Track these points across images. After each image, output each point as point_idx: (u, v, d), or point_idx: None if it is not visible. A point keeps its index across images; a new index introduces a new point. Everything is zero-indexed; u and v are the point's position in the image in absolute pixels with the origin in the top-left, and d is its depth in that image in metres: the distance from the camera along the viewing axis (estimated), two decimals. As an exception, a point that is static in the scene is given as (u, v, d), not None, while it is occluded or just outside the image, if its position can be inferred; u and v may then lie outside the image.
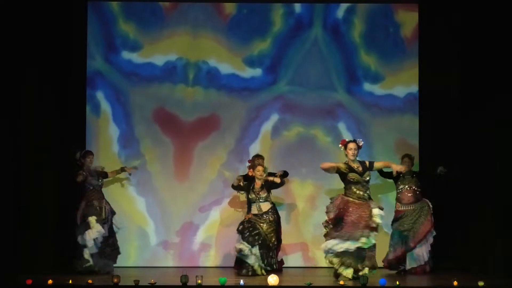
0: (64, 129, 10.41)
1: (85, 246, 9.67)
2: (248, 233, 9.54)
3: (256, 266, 9.45)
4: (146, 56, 10.86)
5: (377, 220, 9.02)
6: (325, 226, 9.11)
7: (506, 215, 9.21)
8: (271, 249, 9.65)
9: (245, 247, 9.48)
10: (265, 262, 9.55)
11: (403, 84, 10.97)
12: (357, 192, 9.04)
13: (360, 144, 9.17)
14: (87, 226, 9.72)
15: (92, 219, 9.73)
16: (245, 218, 9.75)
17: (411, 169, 10.23)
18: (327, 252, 9.03)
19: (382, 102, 10.95)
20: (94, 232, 9.72)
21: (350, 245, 8.92)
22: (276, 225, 9.90)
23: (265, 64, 10.95)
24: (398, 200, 10.18)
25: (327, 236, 9.06)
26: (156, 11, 10.89)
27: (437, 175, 10.18)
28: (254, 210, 9.71)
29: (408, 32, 11.00)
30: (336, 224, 8.99)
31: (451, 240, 10.25)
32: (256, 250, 9.48)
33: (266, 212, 9.70)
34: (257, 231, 9.54)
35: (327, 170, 9.17)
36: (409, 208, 10.09)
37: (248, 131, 10.92)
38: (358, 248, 8.94)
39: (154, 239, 10.81)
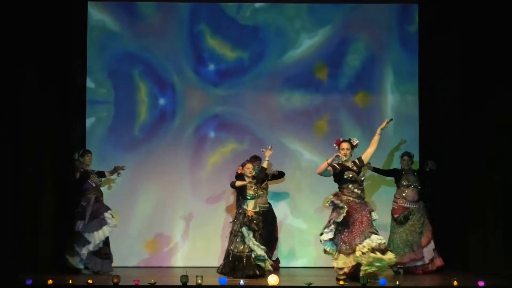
0: (64, 130, 10.39)
1: (89, 242, 9.67)
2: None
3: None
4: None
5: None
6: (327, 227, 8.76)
7: (506, 215, 9.22)
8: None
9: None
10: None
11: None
12: (356, 191, 8.79)
13: (355, 144, 8.94)
14: (103, 222, 9.75)
15: (108, 215, 9.79)
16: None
17: (411, 167, 10.24)
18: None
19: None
20: (110, 228, 9.75)
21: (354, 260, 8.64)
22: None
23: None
24: (402, 197, 10.12)
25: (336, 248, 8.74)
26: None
27: (427, 170, 10.18)
28: (252, 206, 9.41)
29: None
30: (342, 226, 8.70)
31: (451, 240, 10.26)
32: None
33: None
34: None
35: (322, 173, 8.89)
36: (414, 206, 10.09)
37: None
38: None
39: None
